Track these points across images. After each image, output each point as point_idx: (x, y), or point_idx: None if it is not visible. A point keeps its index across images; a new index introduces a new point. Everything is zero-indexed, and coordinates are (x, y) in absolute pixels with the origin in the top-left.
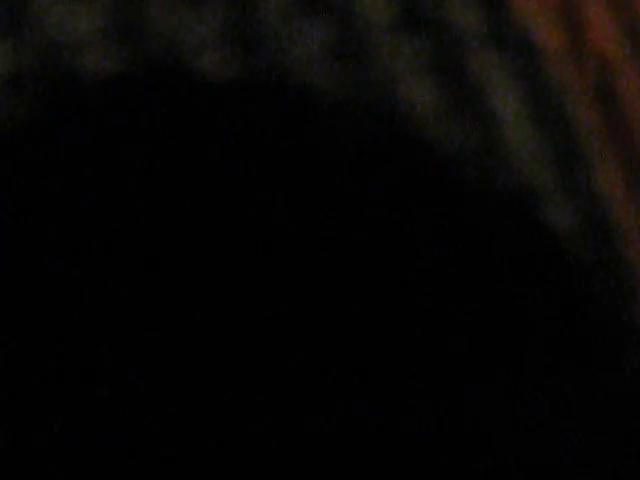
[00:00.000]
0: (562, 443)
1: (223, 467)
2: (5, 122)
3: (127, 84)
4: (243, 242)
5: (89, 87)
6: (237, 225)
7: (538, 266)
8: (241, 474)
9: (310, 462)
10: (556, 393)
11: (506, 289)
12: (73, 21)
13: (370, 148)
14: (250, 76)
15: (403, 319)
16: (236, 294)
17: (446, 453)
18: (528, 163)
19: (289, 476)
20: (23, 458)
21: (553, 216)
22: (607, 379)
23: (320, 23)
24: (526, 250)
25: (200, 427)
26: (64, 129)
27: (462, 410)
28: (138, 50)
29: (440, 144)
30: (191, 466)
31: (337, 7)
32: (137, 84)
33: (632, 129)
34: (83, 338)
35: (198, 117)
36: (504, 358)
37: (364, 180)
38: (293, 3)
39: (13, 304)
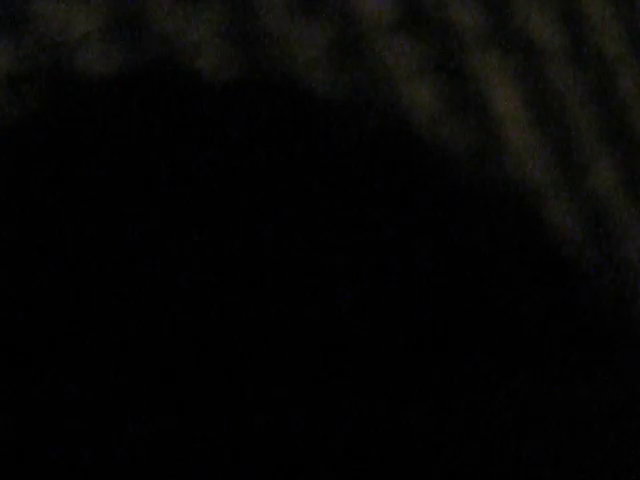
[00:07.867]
0: (561, 444)
1: (226, 465)
2: (5, 121)
3: (127, 84)
4: (243, 242)
5: (89, 87)
6: (237, 226)
7: (538, 266)
8: (242, 472)
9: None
10: (555, 394)
11: (505, 289)
12: (73, 20)
13: (370, 148)
14: (250, 76)
15: (403, 321)
16: (237, 292)
17: (445, 455)
18: (528, 163)
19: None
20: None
21: (553, 216)
22: (607, 380)
23: (320, 23)
24: (526, 250)
25: (203, 425)
26: (63, 129)
27: (461, 413)
28: (138, 50)
29: (440, 144)
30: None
31: (337, 7)
32: (137, 84)
33: (632, 129)
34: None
35: (198, 117)
36: (502, 359)
37: (364, 180)
38: (293, 3)
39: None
